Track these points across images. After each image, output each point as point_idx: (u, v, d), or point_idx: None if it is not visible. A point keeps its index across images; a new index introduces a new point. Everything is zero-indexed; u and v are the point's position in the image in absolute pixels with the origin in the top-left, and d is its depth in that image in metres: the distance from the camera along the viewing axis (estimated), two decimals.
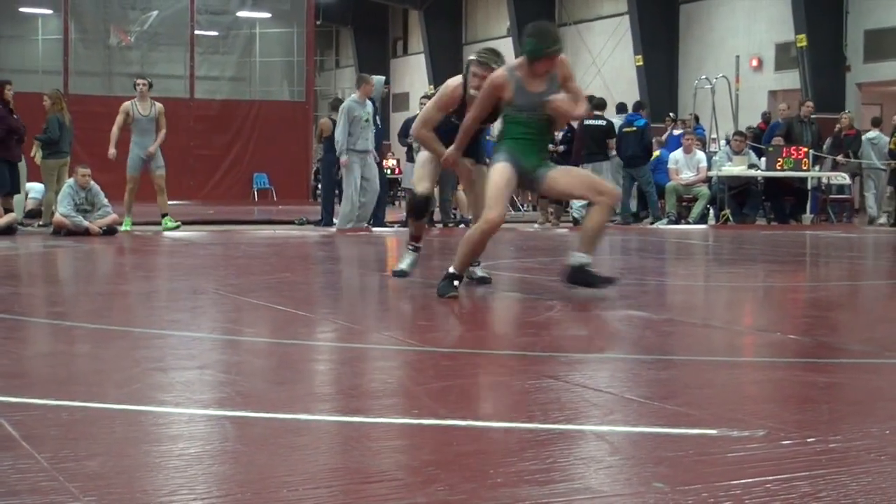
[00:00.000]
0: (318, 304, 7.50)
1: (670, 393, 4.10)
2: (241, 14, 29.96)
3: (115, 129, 15.21)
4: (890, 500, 2.68)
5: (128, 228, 15.12)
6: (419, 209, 8.33)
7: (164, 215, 15.68)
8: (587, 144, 18.35)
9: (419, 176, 8.25)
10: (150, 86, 15.62)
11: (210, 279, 8.92)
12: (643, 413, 3.76)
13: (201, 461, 3.05)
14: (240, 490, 2.78)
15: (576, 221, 18.50)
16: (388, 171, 19.35)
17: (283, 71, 30.52)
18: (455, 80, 8.03)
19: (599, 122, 18.36)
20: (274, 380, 4.46)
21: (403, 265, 8.33)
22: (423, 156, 8.31)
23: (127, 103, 15.41)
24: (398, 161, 26.22)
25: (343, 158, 15.47)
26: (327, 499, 2.72)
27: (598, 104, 18.72)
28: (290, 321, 6.32)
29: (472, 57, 7.97)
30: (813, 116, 20.25)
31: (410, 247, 8.46)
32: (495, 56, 7.86)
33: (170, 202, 16.09)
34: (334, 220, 16.76)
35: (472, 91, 7.80)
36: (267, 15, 30.70)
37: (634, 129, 19.41)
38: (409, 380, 4.50)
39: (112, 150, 15.15)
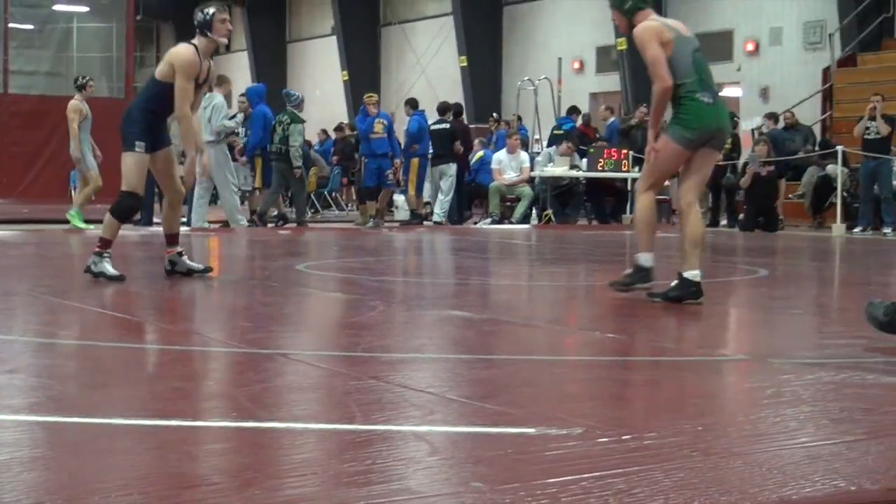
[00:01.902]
0: (137, 305, 7.34)
1: (491, 392, 4.12)
2: (58, 8, 29.21)
3: (76, 128, 15.06)
4: (701, 494, 2.74)
5: (81, 225, 15.46)
6: (131, 210, 8.23)
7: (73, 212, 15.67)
8: (434, 147, 18.58)
9: (139, 176, 8.01)
10: None
11: (23, 280, 8.65)
12: (463, 413, 3.78)
13: (10, 468, 2.95)
14: (49, 497, 2.70)
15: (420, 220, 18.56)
16: None
17: (101, 66, 29.85)
18: (184, 47, 7.98)
19: (444, 126, 18.62)
20: (88, 383, 4.35)
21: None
22: (137, 157, 7.91)
23: (77, 102, 15.26)
24: None
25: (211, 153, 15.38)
26: None
27: (441, 108, 19.03)
28: (107, 323, 6.19)
29: (210, 10, 7.94)
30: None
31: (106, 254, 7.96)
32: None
33: None
34: (154, 220, 16.52)
35: (222, 40, 8.00)
36: (85, 9, 29.98)
37: (562, 132, 19.92)
38: (228, 382, 4.44)
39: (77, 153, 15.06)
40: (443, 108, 19.08)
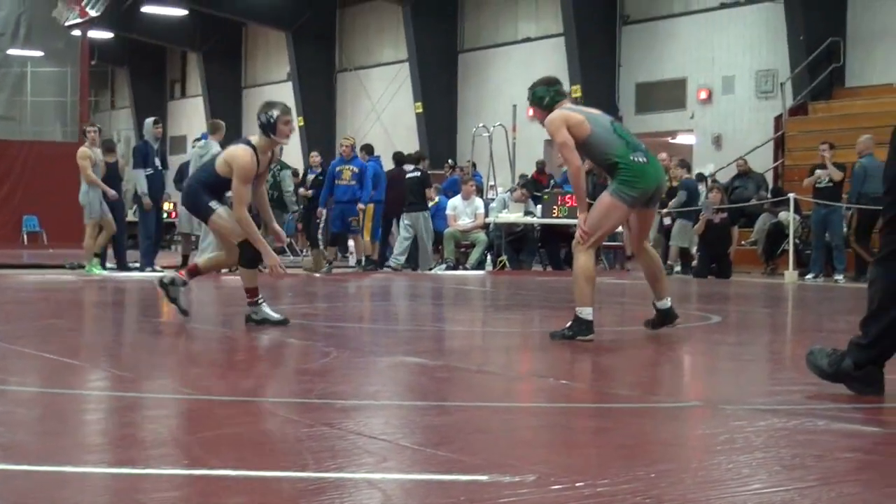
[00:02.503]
0: (89, 351, 7.28)
1: (444, 439, 4.11)
2: (12, 52, 29.14)
3: (92, 175, 15.39)
4: None
5: (99, 272, 15.54)
6: (257, 254, 8.28)
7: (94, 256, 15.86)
8: (405, 195, 18.77)
9: (233, 227, 8.18)
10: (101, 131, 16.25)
11: None
12: (416, 460, 3.76)
13: None
14: None
15: (363, 267, 18.54)
16: (165, 215, 19.26)
17: (55, 111, 29.77)
18: (242, 150, 8.12)
19: (415, 174, 18.85)
20: (39, 430, 4.31)
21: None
22: (220, 213, 8.23)
23: (86, 150, 15.48)
24: (174, 205, 25.86)
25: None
26: None
27: (415, 157, 19.42)
28: (58, 369, 6.12)
29: (274, 113, 8.17)
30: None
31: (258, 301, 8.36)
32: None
33: None
34: (108, 265, 16.48)
35: (284, 141, 8.31)
36: (39, 53, 29.91)
37: (561, 190, 20.41)
38: (180, 429, 4.40)
39: (112, 191, 15.64)
40: (416, 158, 19.69)
